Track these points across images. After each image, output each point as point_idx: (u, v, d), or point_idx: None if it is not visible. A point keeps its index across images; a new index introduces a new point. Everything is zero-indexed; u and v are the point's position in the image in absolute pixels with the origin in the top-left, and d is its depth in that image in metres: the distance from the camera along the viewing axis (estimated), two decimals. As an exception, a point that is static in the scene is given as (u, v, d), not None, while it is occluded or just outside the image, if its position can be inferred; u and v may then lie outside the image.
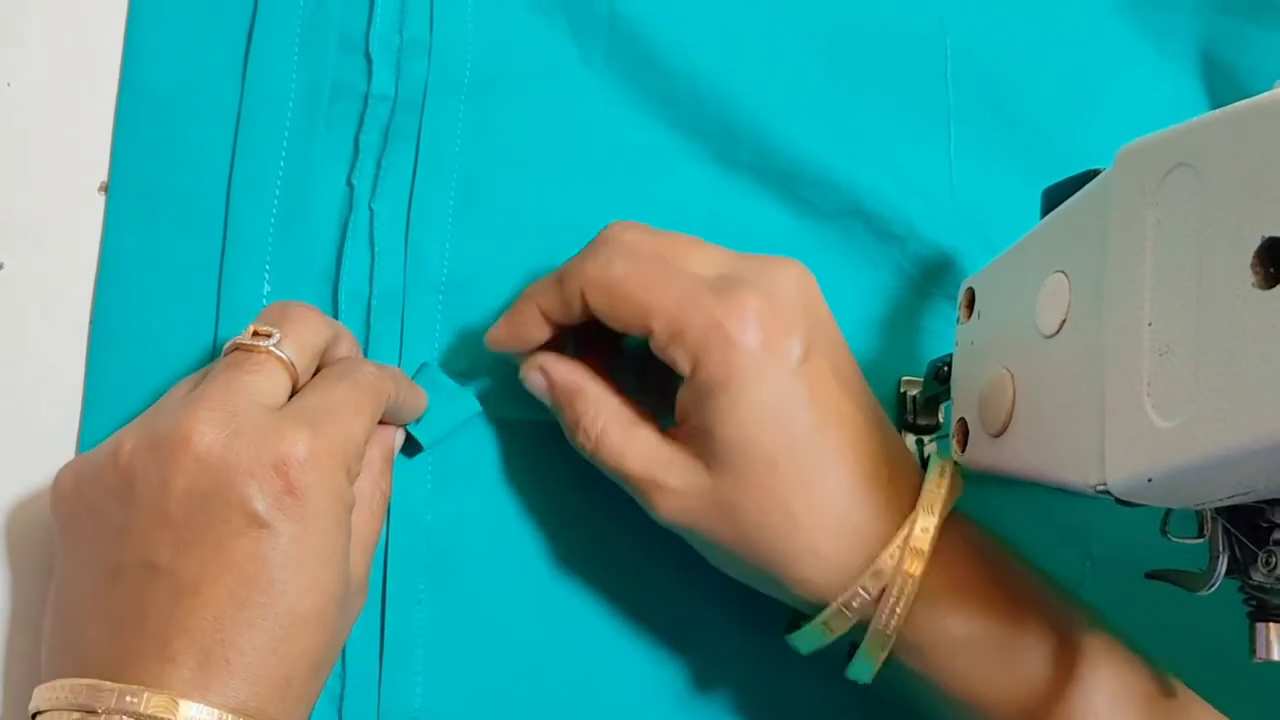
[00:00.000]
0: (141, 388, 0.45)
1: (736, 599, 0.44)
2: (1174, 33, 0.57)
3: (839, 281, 0.52)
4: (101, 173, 0.46)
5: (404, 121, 0.48)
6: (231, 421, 0.37)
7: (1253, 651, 0.36)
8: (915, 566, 0.41)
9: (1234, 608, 0.37)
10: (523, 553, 0.47)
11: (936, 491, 0.42)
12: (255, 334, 0.40)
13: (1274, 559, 0.34)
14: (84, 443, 0.44)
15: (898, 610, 0.41)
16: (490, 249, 0.49)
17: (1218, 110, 0.30)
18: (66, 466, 0.39)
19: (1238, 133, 0.29)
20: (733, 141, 0.52)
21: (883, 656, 0.42)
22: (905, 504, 0.42)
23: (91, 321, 0.45)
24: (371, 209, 0.47)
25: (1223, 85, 0.57)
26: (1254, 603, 0.36)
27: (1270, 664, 0.36)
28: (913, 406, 0.50)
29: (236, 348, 0.40)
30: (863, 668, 0.43)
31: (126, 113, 0.47)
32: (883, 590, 0.41)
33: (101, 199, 0.46)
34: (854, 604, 0.41)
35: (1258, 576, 0.35)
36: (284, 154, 0.47)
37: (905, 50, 0.55)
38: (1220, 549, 0.35)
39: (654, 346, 0.42)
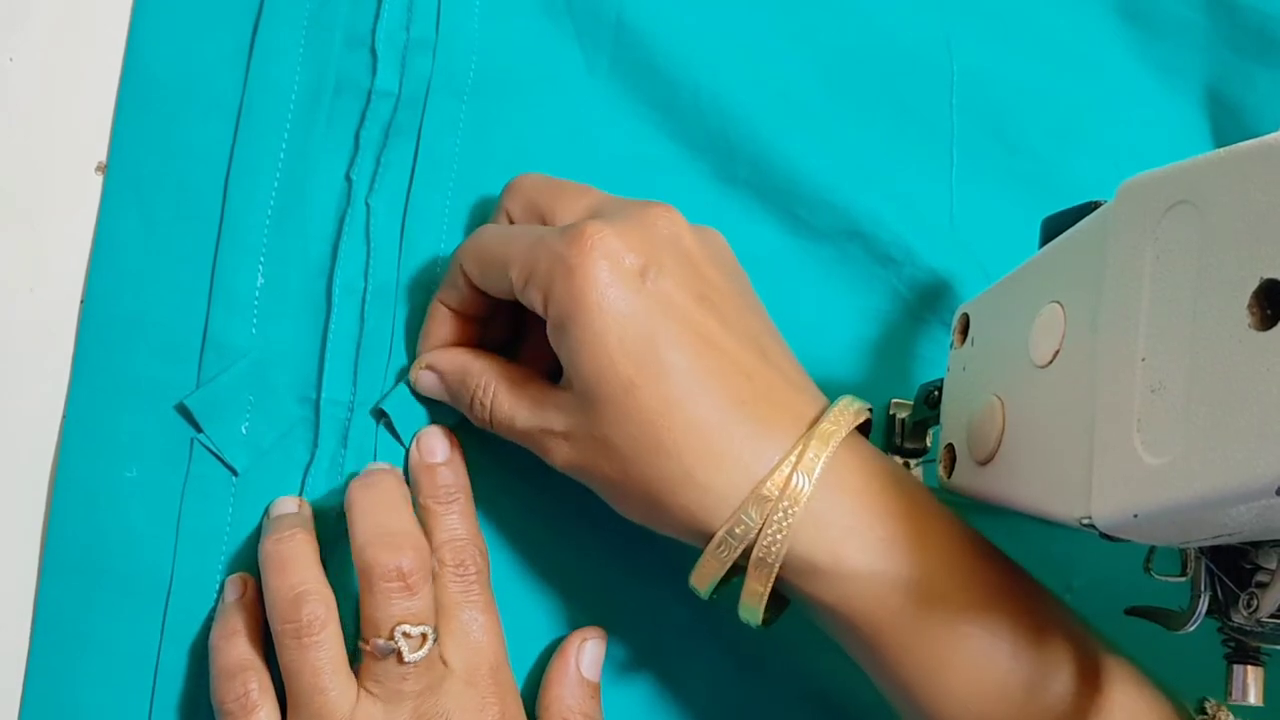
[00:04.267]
0: (129, 372, 0.44)
1: (704, 605, 0.43)
2: (1180, 69, 0.57)
3: (833, 302, 0.52)
4: (99, 153, 0.46)
5: (405, 119, 0.48)
6: None
7: (1228, 693, 0.36)
8: (801, 490, 0.39)
9: (1213, 646, 0.37)
10: (494, 563, 0.46)
11: (838, 419, 0.40)
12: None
13: (1255, 601, 0.34)
14: (69, 426, 0.44)
15: (779, 536, 0.39)
16: (486, 250, 0.49)
17: (1222, 149, 0.30)
18: None
19: (1241, 172, 0.29)
20: (732, 157, 0.51)
21: (765, 589, 0.40)
22: (798, 432, 0.40)
23: (82, 303, 0.45)
24: (369, 205, 0.47)
25: (1227, 123, 0.57)
26: (1232, 644, 0.36)
27: (1245, 707, 0.36)
28: (901, 430, 0.49)
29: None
30: (748, 609, 0.41)
31: (128, 94, 0.46)
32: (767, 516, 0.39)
33: (98, 180, 0.46)
34: (737, 530, 0.39)
35: (1238, 618, 0.35)
36: (284, 146, 0.47)
37: (910, 74, 0.55)
38: (1202, 588, 0.35)
39: (517, 296, 0.42)
